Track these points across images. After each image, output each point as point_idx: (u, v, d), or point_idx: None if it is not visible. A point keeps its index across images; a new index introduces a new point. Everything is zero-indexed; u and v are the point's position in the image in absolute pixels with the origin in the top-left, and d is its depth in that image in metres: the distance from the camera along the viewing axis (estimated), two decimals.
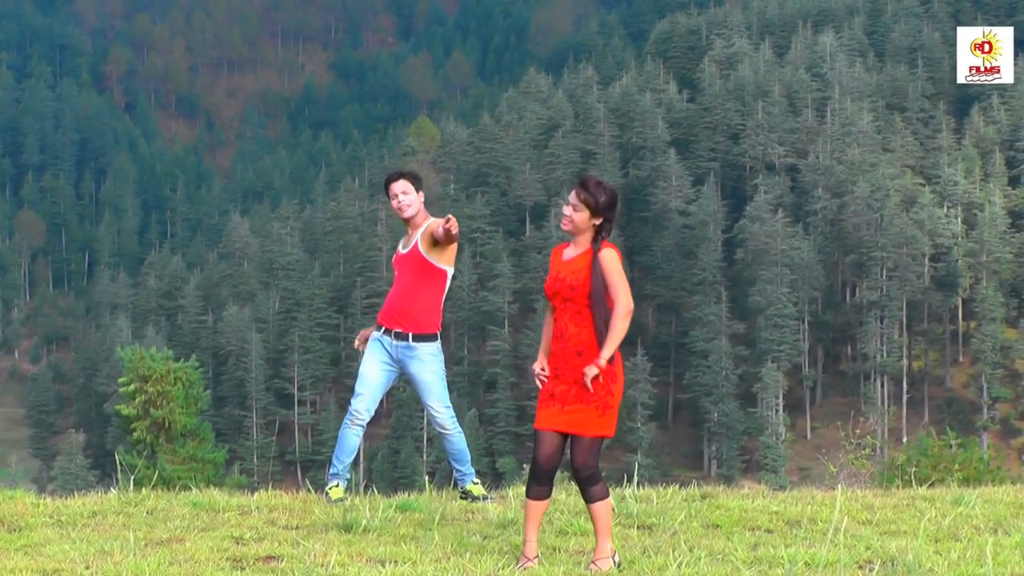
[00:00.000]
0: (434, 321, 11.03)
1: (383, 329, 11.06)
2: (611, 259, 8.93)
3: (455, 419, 11.20)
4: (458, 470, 11.25)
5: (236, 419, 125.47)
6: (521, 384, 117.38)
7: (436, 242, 10.87)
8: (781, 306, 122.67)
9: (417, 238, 10.98)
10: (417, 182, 11.10)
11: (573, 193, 8.97)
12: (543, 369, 9.07)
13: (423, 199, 11.09)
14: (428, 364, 11.02)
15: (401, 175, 11.10)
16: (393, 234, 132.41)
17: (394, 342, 11.00)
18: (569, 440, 8.98)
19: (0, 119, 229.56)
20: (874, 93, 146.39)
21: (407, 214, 11.02)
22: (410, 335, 10.97)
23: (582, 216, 8.95)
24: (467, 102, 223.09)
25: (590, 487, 8.93)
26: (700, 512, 10.81)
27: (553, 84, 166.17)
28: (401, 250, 11.06)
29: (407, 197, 11.01)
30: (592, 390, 8.87)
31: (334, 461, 11.29)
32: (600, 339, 8.89)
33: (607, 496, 8.97)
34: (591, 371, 8.84)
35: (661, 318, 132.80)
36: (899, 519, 10.76)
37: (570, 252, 9.06)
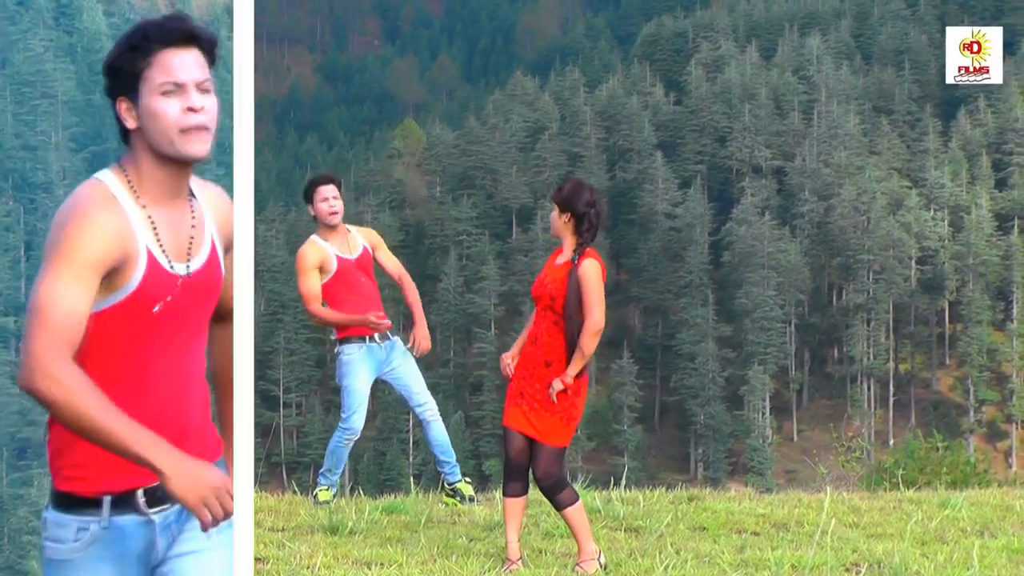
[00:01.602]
0: None
1: (368, 338, 10.97)
2: (589, 272, 8.77)
3: None
4: (447, 463, 11.17)
5: None
6: (508, 386, 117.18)
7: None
8: (768, 309, 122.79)
9: (364, 243, 10.97)
10: (340, 189, 11.04)
11: None
12: (512, 360, 9.10)
13: None
14: (409, 354, 11.07)
15: (331, 180, 10.98)
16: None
17: (381, 344, 10.98)
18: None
19: None
20: (860, 96, 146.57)
21: (336, 221, 10.90)
22: (389, 332, 11.01)
23: (554, 214, 8.96)
24: (453, 105, 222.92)
25: (556, 495, 8.90)
26: (687, 515, 10.80)
27: (539, 87, 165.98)
28: (348, 256, 10.90)
29: (338, 203, 10.91)
30: (556, 403, 8.87)
31: (326, 474, 11.21)
32: (571, 353, 8.86)
33: (576, 499, 8.93)
34: (557, 386, 8.82)
35: (647, 321, 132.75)
36: (886, 522, 10.76)
37: (558, 258, 9.03)
